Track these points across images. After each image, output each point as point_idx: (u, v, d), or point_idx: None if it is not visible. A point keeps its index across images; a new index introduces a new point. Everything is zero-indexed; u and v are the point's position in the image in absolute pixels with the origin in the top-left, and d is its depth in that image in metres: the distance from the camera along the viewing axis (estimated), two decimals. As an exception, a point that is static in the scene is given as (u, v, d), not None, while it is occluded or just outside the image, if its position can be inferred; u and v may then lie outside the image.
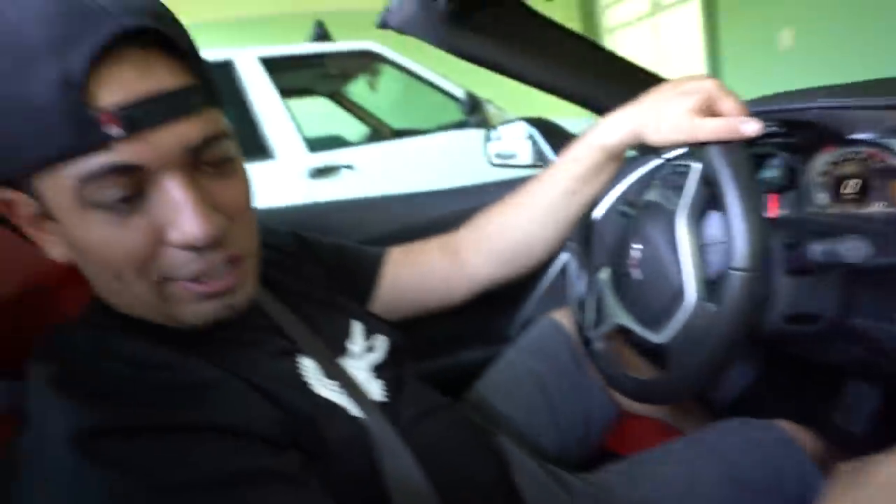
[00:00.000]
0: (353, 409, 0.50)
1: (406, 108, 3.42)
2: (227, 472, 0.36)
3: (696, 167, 0.53)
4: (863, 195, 0.65)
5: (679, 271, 0.55)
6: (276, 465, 0.39)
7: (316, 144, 2.37)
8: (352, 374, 0.54)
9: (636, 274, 0.62)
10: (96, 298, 0.47)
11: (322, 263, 0.68)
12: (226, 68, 2.24)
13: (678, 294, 0.54)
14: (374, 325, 0.63)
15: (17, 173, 0.38)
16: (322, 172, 2.30)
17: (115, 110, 0.35)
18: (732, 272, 0.47)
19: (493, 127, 1.46)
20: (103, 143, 0.35)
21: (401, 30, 0.76)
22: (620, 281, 0.66)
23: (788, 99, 0.60)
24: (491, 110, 2.58)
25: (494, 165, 1.44)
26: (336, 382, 0.52)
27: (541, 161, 1.35)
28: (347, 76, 3.00)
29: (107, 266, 0.40)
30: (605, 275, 0.70)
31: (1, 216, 0.42)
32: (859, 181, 0.65)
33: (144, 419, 0.35)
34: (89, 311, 0.48)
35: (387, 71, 2.81)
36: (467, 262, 0.73)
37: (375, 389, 0.56)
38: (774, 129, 0.62)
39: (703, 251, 0.55)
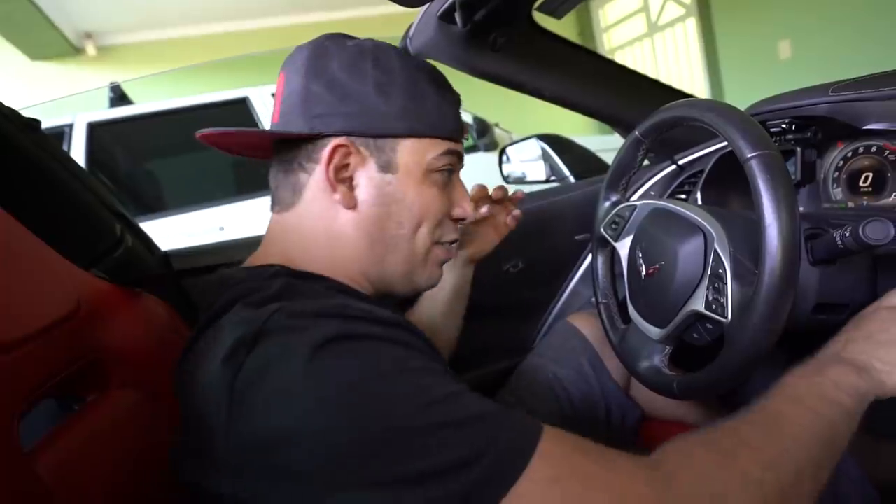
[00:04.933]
0: None
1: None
2: (436, 376, 0.41)
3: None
4: (879, 187, 0.67)
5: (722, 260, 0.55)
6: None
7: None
8: None
9: (680, 270, 0.62)
10: (283, 273, 0.52)
11: None
12: (242, 104, 2.32)
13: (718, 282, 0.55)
14: None
15: (406, 133, 0.55)
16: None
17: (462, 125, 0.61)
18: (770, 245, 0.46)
19: (505, 147, 1.50)
20: (459, 139, 0.60)
21: (421, 54, 0.80)
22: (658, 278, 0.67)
23: (801, 95, 0.63)
24: (498, 133, 2.63)
25: (509, 183, 1.48)
26: None
27: (554, 175, 1.39)
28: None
29: (419, 214, 0.57)
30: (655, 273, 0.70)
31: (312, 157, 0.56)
32: (875, 174, 0.67)
33: (365, 331, 0.42)
34: (280, 275, 0.51)
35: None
36: None
37: None
38: (786, 125, 0.64)
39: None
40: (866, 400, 0.47)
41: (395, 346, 0.42)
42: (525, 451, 0.37)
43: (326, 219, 0.55)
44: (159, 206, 2.49)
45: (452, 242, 0.62)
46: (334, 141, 0.53)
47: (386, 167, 0.55)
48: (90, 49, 4.97)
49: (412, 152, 0.55)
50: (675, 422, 0.89)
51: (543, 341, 0.94)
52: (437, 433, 0.37)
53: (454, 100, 0.59)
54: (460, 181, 0.62)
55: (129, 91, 2.58)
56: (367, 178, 0.55)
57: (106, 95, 2.53)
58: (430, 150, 0.56)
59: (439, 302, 0.81)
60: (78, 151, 2.25)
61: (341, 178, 0.54)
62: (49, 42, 4.52)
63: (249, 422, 0.38)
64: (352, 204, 0.55)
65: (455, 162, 0.59)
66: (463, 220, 0.61)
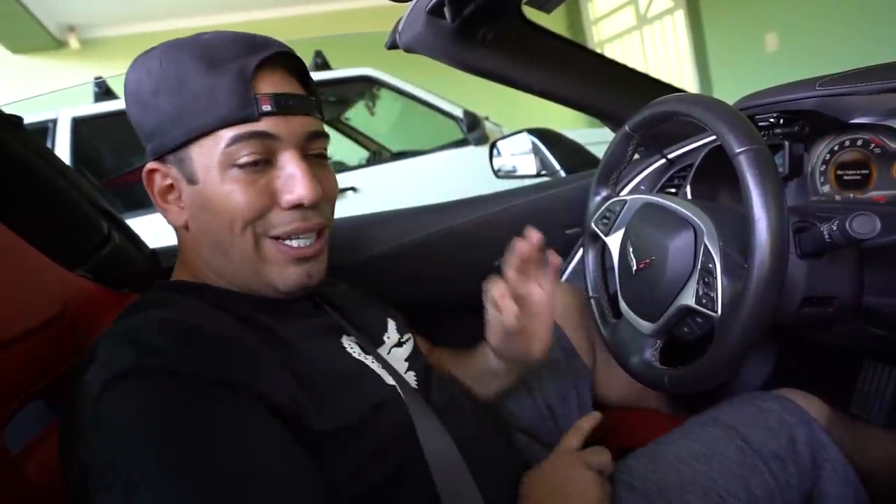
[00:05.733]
0: (389, 379, 0.56)
1: (405, 130, 3.47)
2: (225, 426, 0.40)
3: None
4: (865, 181, 0.68)
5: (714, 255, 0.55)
6: (272, 431, 0.42)
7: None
8: (389, 361, 0.60)
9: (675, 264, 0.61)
10: (178, 281, 0.57)
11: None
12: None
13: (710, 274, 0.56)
14: (403, 324, 0.71)
15: (187, 138, 0.50)
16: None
17: (270, 96, 0.51)
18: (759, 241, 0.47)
19: (496, 141, 1.49)
20: (258, 115, 0.50)
21: (410, 49, 0.80)
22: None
23: (788, 89, 0.63)
24: (489, 126, 2.63)
25: (500, 178, 1.48)
26: (373, 358, 0.58)
27: (545, 169, 1.39)
28: (346, 102, 3.05)
29: (227, 217, 0.51)
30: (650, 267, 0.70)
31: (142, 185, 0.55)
32: (860, 167, 0.67)
33: (163, 364, 0.41)
34: (170, 282, 0.57)
35: (385, 95, 2.86)
36: None
37: (410, 377, 0.61)
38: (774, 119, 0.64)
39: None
40: None
41: (193, 384, 0.41)
42: None
43: (180, 238, 0.57)
44: (147, 203, 2.45)
45: (291, 236, 0.54)
46: (146, 167, 0.54)
47: (191, 178, 0.52)
48: (73, 42, 4.88)
49: (201, 154, 0.51)
50: (657, 411, 0.90)
51: None
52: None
53: (239, 71, 0.49)
54: (293, 161, 0.52)
55: (115, 86, 2.54)
56: (185, 194, 0.53)
57: (90, 90, 2.48)
58: (215, 145, 0.50)
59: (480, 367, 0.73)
60: (62, 147, 2.22)
61: (170, 199, 0.54)
62: (31, 35, 4.44)
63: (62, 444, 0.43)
64: (179, 222, 0.55)
65: (258, 146, 0.50)
66: (300, 205, 0.52)
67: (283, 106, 0.51)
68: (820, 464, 0.62)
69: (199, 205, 0.52)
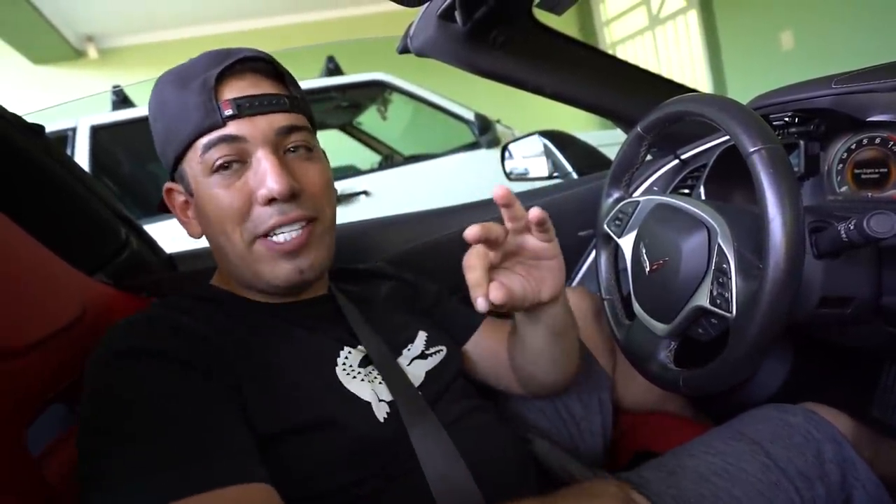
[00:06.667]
0: (385, 395, 0.56)
1: (417, 133, 3.48)
2: (166, 390, 0.46)
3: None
4: (883, 179, 0.67)
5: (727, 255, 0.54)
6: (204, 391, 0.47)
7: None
8: (405, 371, 0.60)
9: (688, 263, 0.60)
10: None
11: (419, 300, 0.76)
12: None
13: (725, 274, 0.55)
14: (437, 337, 0.69)
15: (176, 155, 0.56)
16: (339, 200, 2.35)
17: (231, 100, 0.54)
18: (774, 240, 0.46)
19: (507, 144, 1.50)
20: (222, 121, 0.54)
21: (422, 53, 0.80)
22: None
23: (803, 88, 0.62)
24: (500, 129, 2.62)
25: (512, 180, 1.47)
26: (374, 372, 0.58)
27: (557, 172, 1.38)
28: (358, 107, 3.07)
29: (217, 221, 0.56)
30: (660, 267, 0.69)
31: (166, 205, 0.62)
32: (879, 165, 0.66)
33: (143, 346, 0.48)
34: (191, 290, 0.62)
35: (396, 99, 2.87)
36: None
37: (425, 387, 0.60)
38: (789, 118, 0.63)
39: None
40: None
41: (161, 362, 0.47)
42: None
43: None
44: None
45: (275, 230, 0.56)
46: (164, 188, 0.61)
47: (189, 191, 0.58)
48: (92, 52, 4.98)
49: (188, 167, 0.57)
50: (679, 416, 0.89)
51: None
52: (112, 446, 0.42)
53: (202, 84, 0.54)
54: (264, 157, 0.54)
55: (132, 93, 2.58)
56: (192, 208, 0.60)
57: (109, 99, 2.53)
58: (193, 156, 0.55)
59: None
60: (81, 155, 2.26)
61: (189, 215, 0.61)
62: (51, 46, 4.54)
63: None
64: (197, 235, 0.61)
65: (228, 150, 0.54)
66: (273, 199, 0.54)
67: (246, 108, 0.54)
68: (850, 483, 0.59)
69: (199, 214, 0.58)
